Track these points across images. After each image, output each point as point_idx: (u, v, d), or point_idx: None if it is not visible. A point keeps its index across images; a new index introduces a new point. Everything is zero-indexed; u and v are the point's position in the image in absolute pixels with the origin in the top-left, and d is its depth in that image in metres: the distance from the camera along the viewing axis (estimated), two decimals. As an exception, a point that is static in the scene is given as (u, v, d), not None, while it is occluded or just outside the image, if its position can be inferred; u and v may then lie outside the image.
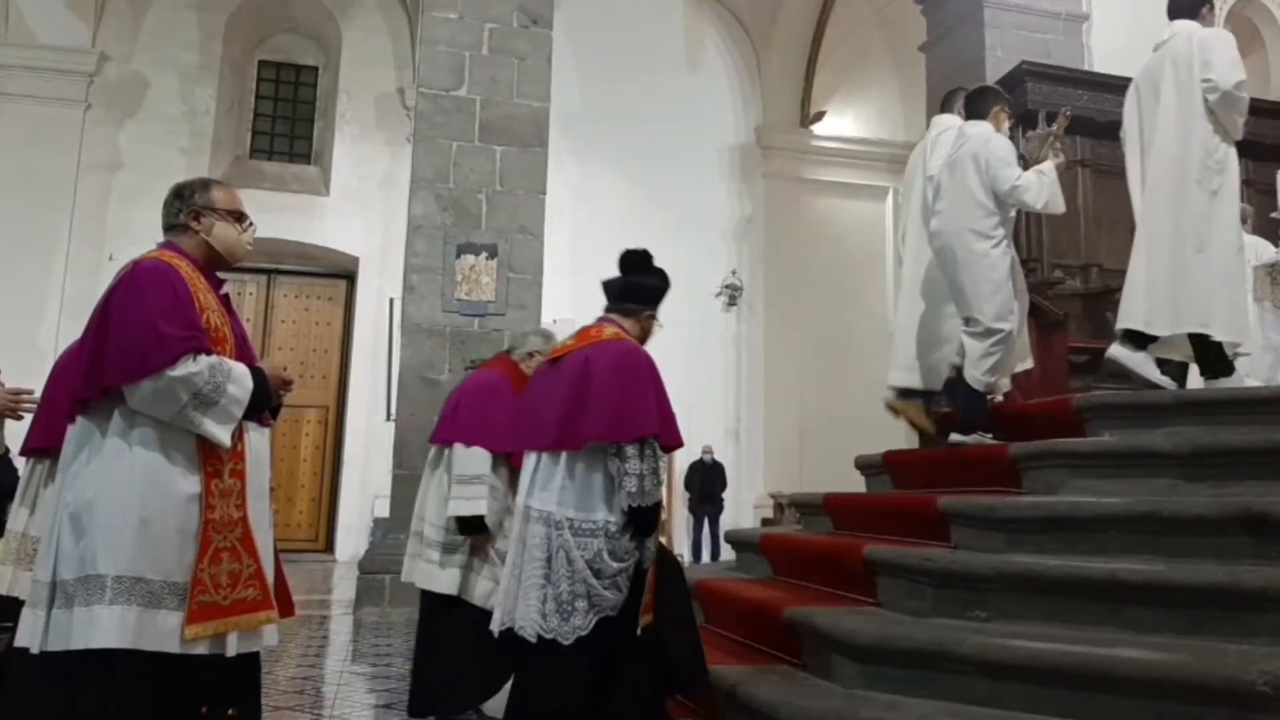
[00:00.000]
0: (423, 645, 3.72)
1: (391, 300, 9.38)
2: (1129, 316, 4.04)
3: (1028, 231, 7.38)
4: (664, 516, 3.11)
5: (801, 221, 11.56)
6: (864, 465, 4.81)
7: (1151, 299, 3.99)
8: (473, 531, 3.59)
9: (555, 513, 2.76)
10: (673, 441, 2.85)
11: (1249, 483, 3.01)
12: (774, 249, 11.37)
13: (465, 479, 3.57)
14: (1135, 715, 2.34)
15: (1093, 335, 6.78)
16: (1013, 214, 4.37)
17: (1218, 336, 3.91)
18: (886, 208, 11.60)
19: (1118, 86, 7.59)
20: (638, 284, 3.04)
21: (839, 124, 11.75)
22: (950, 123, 4.74)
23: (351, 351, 10.90)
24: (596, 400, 2.75)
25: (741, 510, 10.52)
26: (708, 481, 10.41)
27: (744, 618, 3.67)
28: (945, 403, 4.54)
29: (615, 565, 2.72)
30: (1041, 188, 4.21)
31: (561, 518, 2.74)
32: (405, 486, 6.69)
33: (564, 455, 2.79)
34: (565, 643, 2.68)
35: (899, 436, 5.63)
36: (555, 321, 6.81)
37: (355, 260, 10.87)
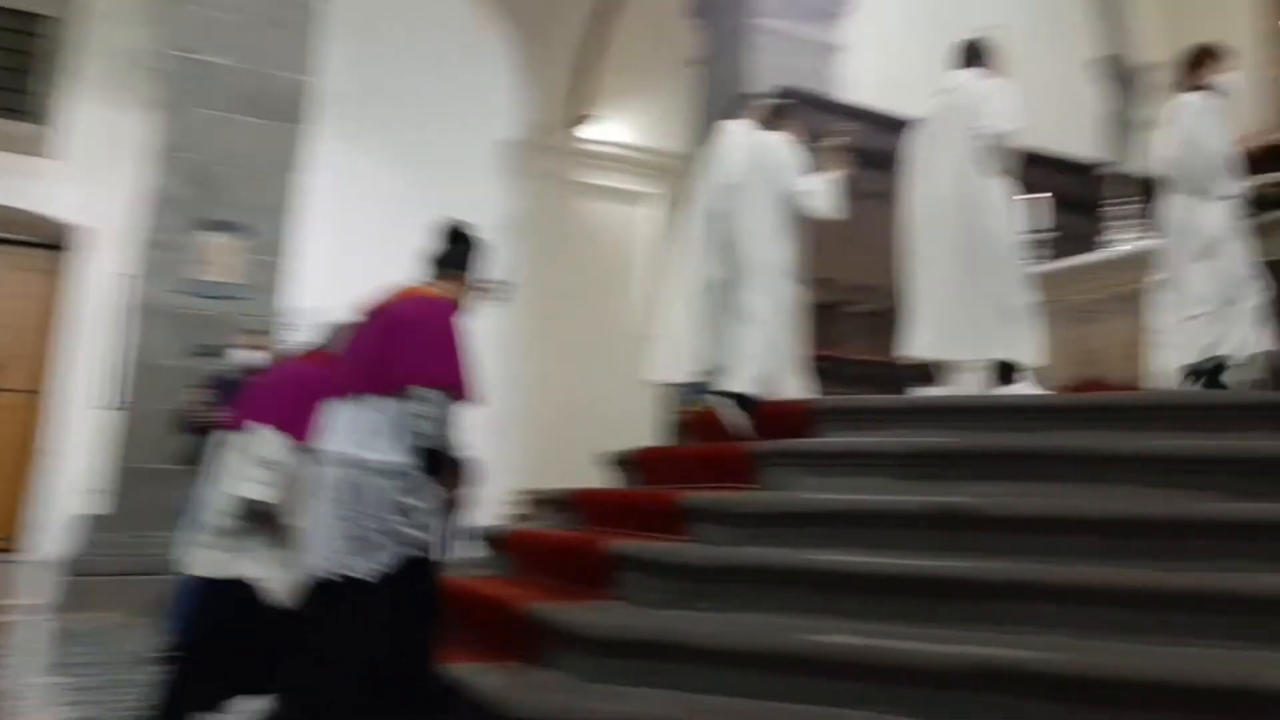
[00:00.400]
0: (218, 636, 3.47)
1: (124, 278, 8.56)
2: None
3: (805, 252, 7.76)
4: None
5: (571, 223, 11.63)
6: (614, 461, 4.88)
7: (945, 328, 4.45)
8: (257, 518, 3.48)
9: (358, 455, 2.85)
10: (472, 396, 2.96)
11: (954, 481, 3.29)
12: (543, 249, 11.37)
13: (262, 462, 3.46)
14: (846, 696, 2.50)
15: (824, 343, 7.25)
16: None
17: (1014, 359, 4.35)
18: (652, 214, 11.90)
19: (865, 116, 8.19)
20: (448, 253, 3.18)
21: (613, 129, 11.93)
22: (738, 129, 4.90)
23: (69, 332, 9.84)
24: (401, 348, 2.92)
25: (495, 507, 10.43)
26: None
27: (485, 614, 3.61)
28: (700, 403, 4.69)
29: (418, 504, 2.84)
30: (827, 193, 4.64)
31: (364, 460, 2.84)
32: (135, 481, 6.14)
33: (368, 400, 2.90)
34: (369, 580, 2.76)
35: (650, 433, 5.76)
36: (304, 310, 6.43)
37: (81, 231, 9.84)
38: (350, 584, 2.77)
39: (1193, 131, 4.32)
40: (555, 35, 11.57)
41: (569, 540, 3.99)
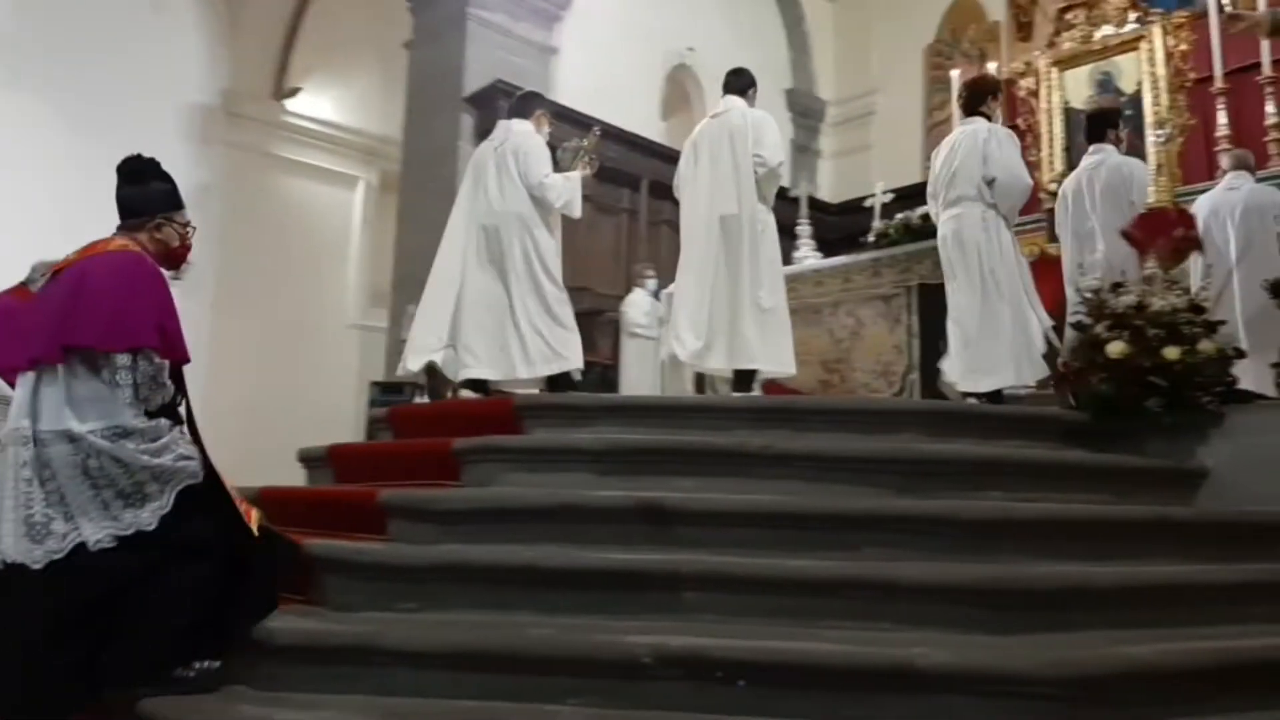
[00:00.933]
0: None
1: None
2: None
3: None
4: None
5: (266, 199, 10.88)
6: (307, 458, 4.61)
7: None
8: None
9: (75, 428, 2.58)
10: (176, 354, 2.77)
11: (652, 477, 3.43)
12: (232, 225, 10.53)
13: None
14: (546, 690, 2.52)
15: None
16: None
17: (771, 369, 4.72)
18: (356, 197, 11.42)
19: (575, 119, 8.36)
20: (128, 197, 2.88)
21: (317, 104, 11.31)
22: (521, 126, 5.07)
23: None
24: (88, 309, 2.63)
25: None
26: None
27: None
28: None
29: (158, 444, 2.66)
30: (564, 190, 4.85)
31: (84, 432, 2.58)
32: None
33: (61, 369, 2.61)
34: (150, 528, 2.61)
35: (346, 429, 5.52)
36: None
37: None
38: (136, 538, 2.59)
39: (984, 153, 4.76)
40: (260, 2, 10.76)
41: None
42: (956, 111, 6.24)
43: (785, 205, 9.02)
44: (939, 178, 4.98)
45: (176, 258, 2.96)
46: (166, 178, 2.94)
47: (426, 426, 4.35)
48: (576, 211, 4.99)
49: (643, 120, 9.14)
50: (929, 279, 5.09)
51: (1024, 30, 9.61)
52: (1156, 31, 7.47)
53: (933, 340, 5.07)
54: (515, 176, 4.78)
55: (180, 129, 10.36)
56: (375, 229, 11.10)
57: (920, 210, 5.28)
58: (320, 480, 4.44)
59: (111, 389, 2.62)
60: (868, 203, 7.86)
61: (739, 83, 5.11)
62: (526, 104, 5.14)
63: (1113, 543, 3.14)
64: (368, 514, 3.40)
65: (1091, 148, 5.24)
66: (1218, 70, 6.86)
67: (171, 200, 2.92)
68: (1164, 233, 4.43)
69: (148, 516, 2.62)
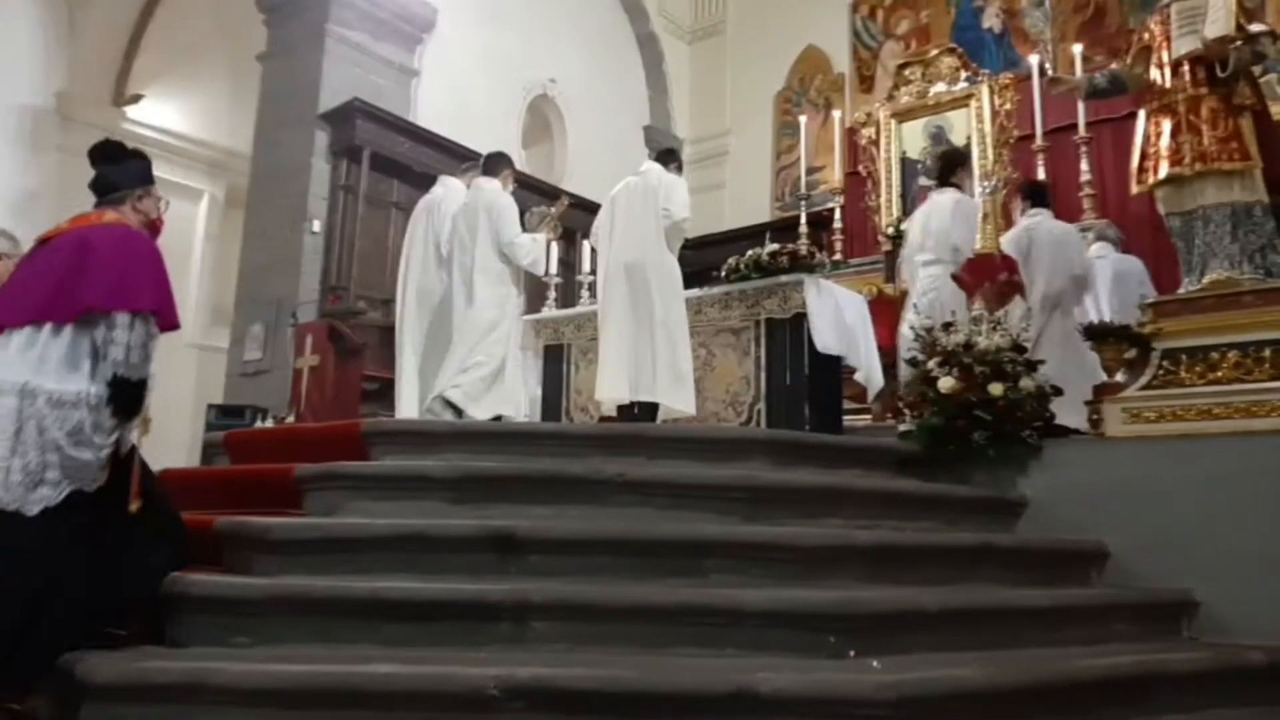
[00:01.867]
0: None
1: None
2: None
3: (339, 262, 7.58)
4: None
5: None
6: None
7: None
8: None
9: (31, 382, 2.69)
10: (169, 321, 2.90)
11: (503, 505, 3.40)
12: (61, 235, 9.89)
13: None
14: (386, 727, 2.45)
15: (386, 365, 7.18)
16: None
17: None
18: (200, 211, 10.90)
19: (434, 142, 8.28)
20: (107, 175, 3.09)
21: (160, 112, 10.75)
22: (454, 184, 5.73)
23: None
24: (94, 271, 2.77)
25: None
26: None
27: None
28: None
29: (97, 439, 2.72)
30: (532, 250, 5.30)
31: (37, 387, 2.69)
32: None
33: (48, 327, 2.75)
34: (29, 513, 2.63)
35: (180, 454, 5.24)
36: None
37: None
38: (13, 517, 2.62)
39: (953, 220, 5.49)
40: (103, 4, 10.18)
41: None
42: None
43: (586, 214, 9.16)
44: (914, 241, 5.72)
45: (155, 229, 3.13)
46: (141, 156, 3.18)
47: (268, 452, 4.19)
48: (540, 270, 5.53)
49: (503, 147, 9.10)
50: (776, 314, 5.28)
51: (866, 83, 10.17)
52: (985, 91, 8.04)
53: (779, 372, 5.25)
54: (487, 233, 5.20)
55: (8, 132, 9.66)
56: (220, 245, 10.63)
57: (769, 248, 5.48)
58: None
59: (103, 349, 2.74)
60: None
61: (665, 156, 5.54)
62: (495, 164, 5.57)
63: (942, 568, 3.32)
64: (202, 545, 3.23)
65: (1031, 210, 5.74)
66: (1039, 129, 7.43)
67: (147, 175, 3.15)
68: (990, 277, 4.75)
69: (33, 503, 2.65)
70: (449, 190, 5.79)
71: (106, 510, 2.78)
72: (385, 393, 6.81)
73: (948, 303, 5.13)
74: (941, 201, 5.68)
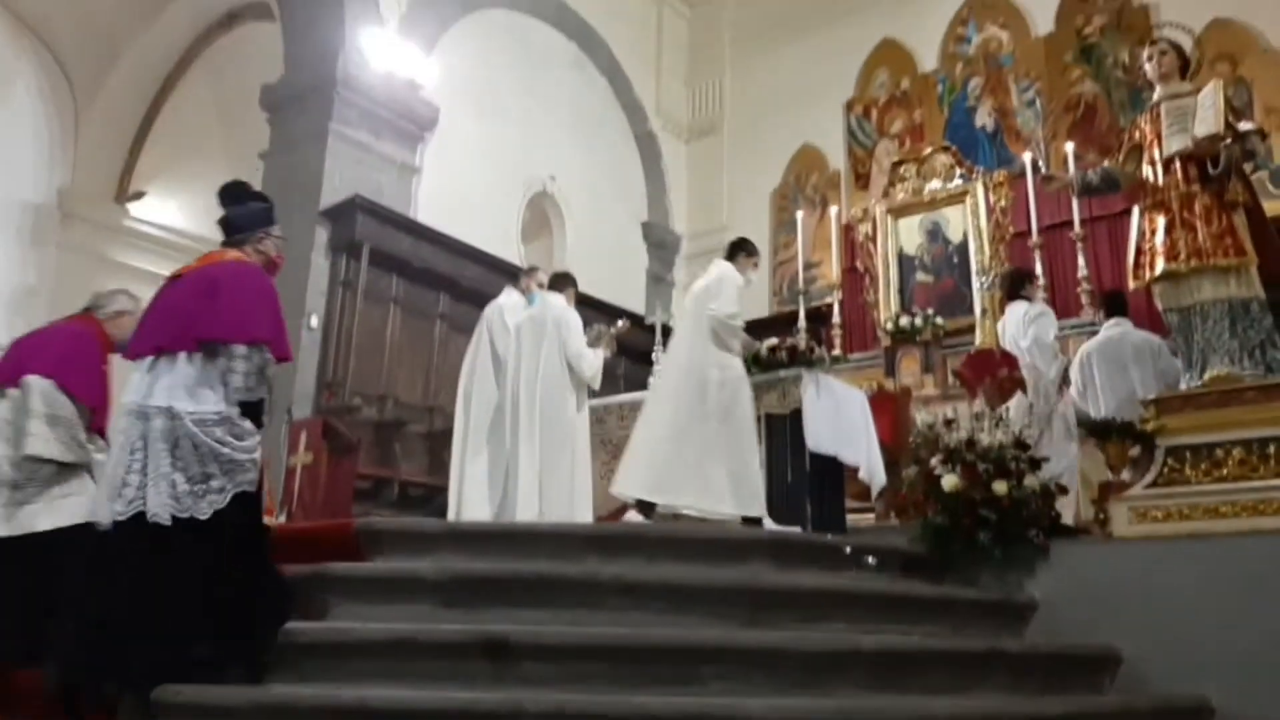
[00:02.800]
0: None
1: None
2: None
3: (336, 358, 7.57)
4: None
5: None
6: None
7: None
8: (43, 472, 3.55)
9: (175, 406, 2.97)
10: (281, 352, 3.20)
11: (496, 609, 3.30)
12: (59, 329, 9.92)
13: (54, 419, 3.58)
14: None
15: (380, 463, 7.11)
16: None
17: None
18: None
19: (434, 238, 8.37)
20: (233, 216, 3.37)
21: (162, 209, 10.92)
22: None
23: None
24: (220, 306, 3.06)
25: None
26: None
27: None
28: None
29: (240, 443, 3.01)
30: (594, 363, 5.52)
31: (181, 410, 2.97)
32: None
33: (181, 355, 3.04)
34: (202, 517, 2.91)
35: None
36: None
37: None
38: (188, 523, 2.88)
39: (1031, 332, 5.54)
40: (102, 100, 10.42)
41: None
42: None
43: (641, 333, 9.20)
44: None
45: (274, 267, 3.39)
46: (263, 197, 3.48)
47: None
48: (598, 384, 5.69)
49: (503, 242, 9.23)
50: (775, 409, 5.24)
51: (862, 180, 10.34)
52: (979, 187, 8.17)
53: (780, 468, 5.19)
54: (555, 343, 5.45)
55: (8, 228, 9.78)
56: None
57: (769, 343, 5.47)
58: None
59: (225, 376, 3.03)
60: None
61: (733, 250, 5.50)
62: (562, 282, 5.87)
63: (949, 675, 3.20)
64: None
65: (1112, 320, 5.83)
66: (1034, 225, 7.52)
67: (269, 216, 3.44)
68: (990, 373, 4.73)
69: (204, 506, 2.92)
70: (512, 300, 5.99)
71: (254, 517, 3.11)
72: (379, 491, 6.73)
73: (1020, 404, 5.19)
74: (1015, 312, 5.80)
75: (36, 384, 3.57)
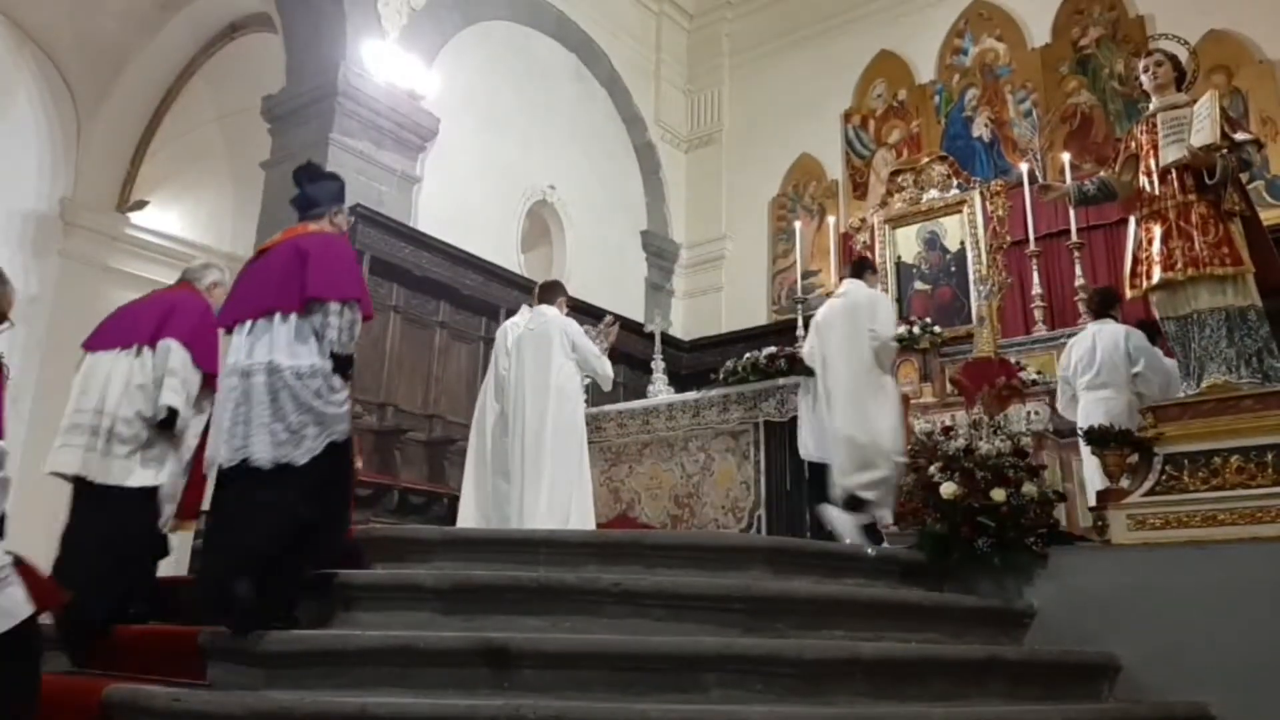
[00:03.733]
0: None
1: None
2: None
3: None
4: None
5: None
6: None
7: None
8: (168, 427, 3.93)
9: (275, 361, 3.30)
10: (368, 310, 3.53)
11: (495, 616, 3.31)
12: (61, 340, 9.89)
13: (179, 375, 3.94)
14: None
15: (381, 470, 7.12)
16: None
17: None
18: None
19: (434, 247, 8.39)
20: (311, 194, 3.70)
21: (163, 218, 10.93)
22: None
23: None
24: (312, 270, 3.38)
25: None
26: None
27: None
28: None
29: (333, 396, 3.35)
30: (609, 363, 5.56)
31: (280, 364, 3.30)
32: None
33: (278, 316, 3.36)
34: (299, 463, 3.24)
35: (171, 561, 5.11)
36: None
37: None
38: (285, 468, 3.21)
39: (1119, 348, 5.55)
40: (105, 111, 10.46)
41: (57, 687, 3.35)
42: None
43: (641, 340, 9.22)
44: (1078, 364, 5.69)
45: (345, 239, 3.80)
46: (335, 177, 3.82)
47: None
48: (608, 385, 5.75)
49: (502, 251, 9.25)
50: (774, 417, 5.26)
51: (859, 189, 10.38)
52: (976, 197, 8.20)
53: (779, 476, 5.20)
54: (562, 351, 5.42)
55: (10, 237, 9.80)
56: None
57: (767, 351, 5.49)
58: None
59: (322, 331, 3.36)
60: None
61: (859, 268, 5.64)
62: (552, 291, 5.79)
63: (949, 683, 3.21)
64: (186, 656, 3.14)
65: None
66: (1031, 234, 7.55)
67: (341, 195, 3.80)
68: (989, 381, 4.75)
69: (301, 454, 3.25)
70: (514, 320, 5.90)
71: (346, 464, 3.44)
72: (379, 498, 6.73)
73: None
74: (1110, 331, 5.74)
75: (176, 346, 3.95)
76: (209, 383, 3.93)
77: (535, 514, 5.11)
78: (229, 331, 3.51)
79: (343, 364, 3.42)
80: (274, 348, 3.32)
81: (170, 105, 10.66)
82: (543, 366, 5.42)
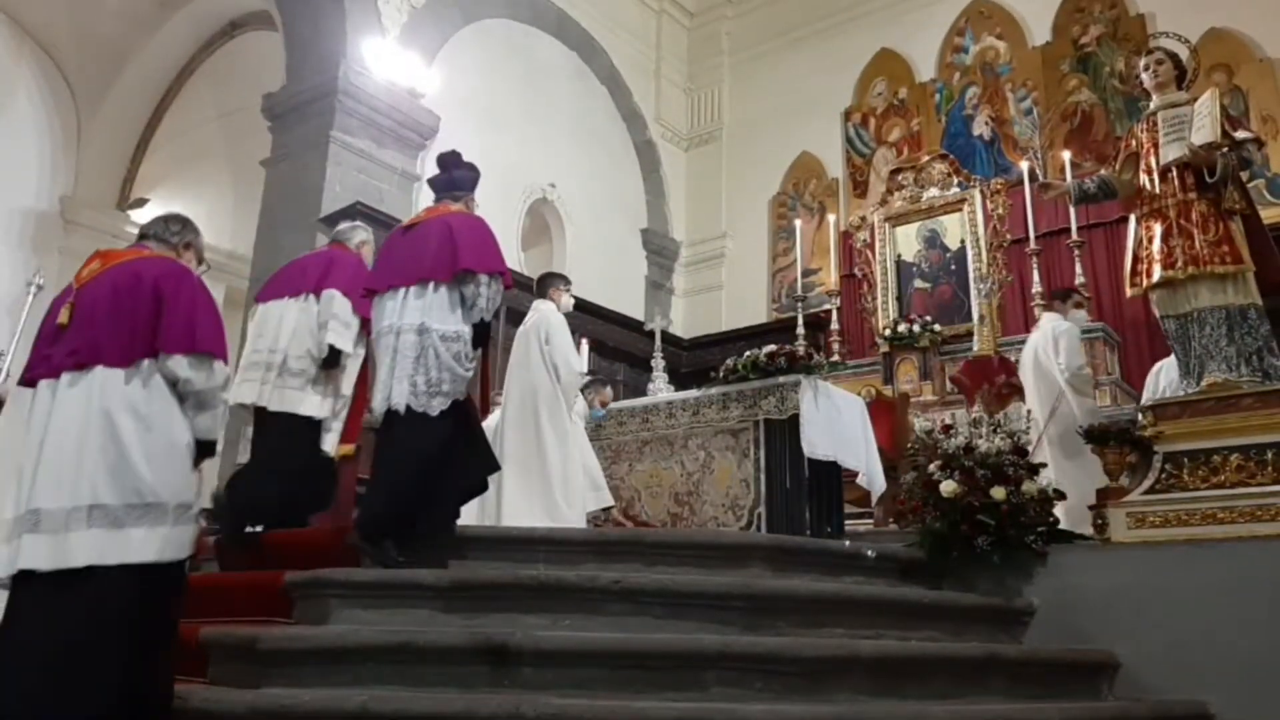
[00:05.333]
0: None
1: None
2: None
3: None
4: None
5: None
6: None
7: None
8: (333, 365, 4.44)
9: (425, 323, 3.82)
10: (510, 282, 4.05)
11: (495, 614, 3.31)
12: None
13: (342, 319, 4.42)
14: None
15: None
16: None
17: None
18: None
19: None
20: (455, 178, 4.24)
21: (164, 217, 10.95)
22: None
23: None
24: (462, 245, 3.87)
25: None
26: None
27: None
28: None
29: (467, 363, 3.87)
30: (575, 367, 5.41)
31: (430, 326, 3.81)
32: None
33: (431, 284, 3.86)
34: (432, 414, 3.75)
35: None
36: None
37: None
38: (421, 416, 3.72)
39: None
40: (105, 109, 10.45)
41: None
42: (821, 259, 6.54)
43: (641, 338, 9.22)
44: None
45: None
46: (472, 166, 4.31)
47: (258, 557, 4.10)
48: (571, 396, 5.54)
49: (503, 249, 9.21)
50: (773, 415, 5.25)
51: (860, 188, 10.37)
52: (977, 195, 8.19)
53: (779, 474, 5.19)
54: (538, 351, 5.32)
55: (10, 234, 9.81)
56: (217, 346, 10.65)
57: (767, 349, 5.49)
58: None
59: (473, 299, 3.86)
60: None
61: (1060, 297, 5.79)
62: (544, 285, 5.72)
63: (949, 681, 3.21)
64: (187, 655, 3.13)
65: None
66: (1031, 232, 7.55)
67: (476, 181, 4.31)
68: (988, 379, 4.75)
69: (435, 405, 3.75)
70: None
71: (467, 419, 3.90)
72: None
73: None
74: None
75: (338, 295, 4.42)
76: (364, 326, 4.43)
77: (518, 510, 5.08)
78: (378, 294, 3.97)
79: (481, 331, 3.92)
80: (427, 311, 3.82)
81: (170, 103, 10.67)
82: (522, 362, 5.39)
